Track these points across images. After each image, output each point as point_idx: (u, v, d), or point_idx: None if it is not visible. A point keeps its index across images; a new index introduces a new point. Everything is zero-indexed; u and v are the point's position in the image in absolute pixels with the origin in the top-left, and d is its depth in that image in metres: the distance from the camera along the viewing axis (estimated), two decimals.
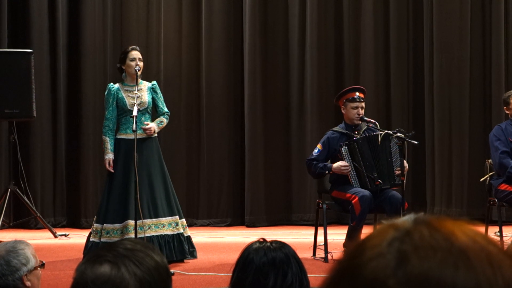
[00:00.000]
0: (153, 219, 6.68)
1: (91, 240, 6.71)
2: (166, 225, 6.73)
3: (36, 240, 7.85)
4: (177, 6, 9.70)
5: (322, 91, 9.61)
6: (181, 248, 6.74)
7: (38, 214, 8.63)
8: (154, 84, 6.97)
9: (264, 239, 2.66)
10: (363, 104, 6.92)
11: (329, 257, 6.68)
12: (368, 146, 6.80)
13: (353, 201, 6.60)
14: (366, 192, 6.63)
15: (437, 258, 0.83)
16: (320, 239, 6.89)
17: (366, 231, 0.88)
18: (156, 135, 6.92)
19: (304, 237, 7.83)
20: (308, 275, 2.62)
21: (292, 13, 9.68)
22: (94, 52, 9.53)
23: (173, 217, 6.78)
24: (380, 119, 8.48)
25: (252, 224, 9.47)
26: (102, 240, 6.58)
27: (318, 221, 7.08)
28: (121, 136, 6.82)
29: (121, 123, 6.84)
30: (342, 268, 0.88)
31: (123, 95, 6.79)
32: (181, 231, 6.78)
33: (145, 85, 6.90)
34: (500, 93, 9.26)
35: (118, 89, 6.82)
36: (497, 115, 9.20)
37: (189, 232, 6.99)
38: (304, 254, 6.52)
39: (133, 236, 6.37)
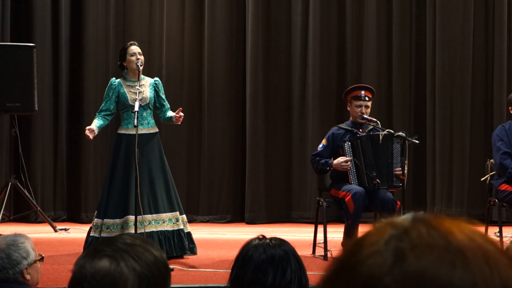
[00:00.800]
0: (153, 215, 6.68)
1: (91, 235, 6.71)
2: (166, 221, 6.73)
3: (36, 234, 7.85)
4: (180, 2, 9.70)
5: (324, 89, 9.61)
6: (181, 244, 6.73)
7: (39, 208, 8.64)
8: (157, 81, 6.95)
9: (263, 236, 2.66)
10: (368, 103, 6.89)
11: (329, 255, 6.68)
12: (371, 144, 6.80)
13: (346, 199, 6.60)
14: (359, 189, 6.61)
15: (434, 256, 0.83)
16: (320, 237, 6.89)
17: (363, 229, 0.89)
18: (157, 130, 6.92)
19: (304, 235, 7.83)
20: (307, 273, 2.62)
21: (295, 10, 9.68)
22: (97, 47, 9.53)
23: (173, 213, 6.77)
24: (382, 118, 8.47)
25: (252, 221, 9.47)
26: (102, 235, 6.58)
27: (318, 219, 7.08)
28: (122, 131, 6.81)
29: (123, 118, 6.84)
30: (340, 265, 0.88)
31: (125, 90, 6.78)
32: (181, 227, 6.78)
33: (147, 80, 6.89)
34: (502, 93, 9.26)
35: (120, 84, 6.82)
36: (499, 115, 9.20)
37: (189, 228, 6.99)
38: (303, 252, 6.52)
39: (133, 231, 6.37)
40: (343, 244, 6.83)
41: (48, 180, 9.43)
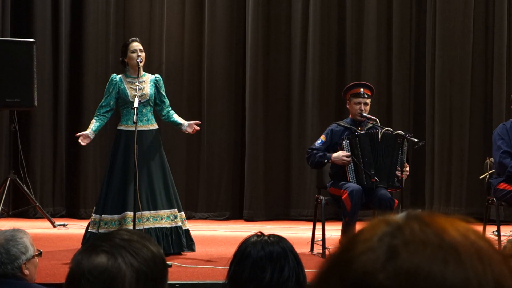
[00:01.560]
0: (152, 211, 6.68)
1: (89, 230, 6.71)
2: (165, 218, 6.73)
3: (34, 229, 7.86)
4: None
5: (323, 87, 9.61)
6: (178, 241, 6.73)
7: (37, 204, 8.64)
8: (158, 77, 6.94)
9: (261, 233, 2.66)
10: (367, 101, 6.87)
11: (327, 252, 6.67)
12: (370, 142, 6.78)
13: (343, 197, 6.59)
14: (356, 187, 6.60)
15: (426, 253, 0.84)
16: (318, 234, 6.90)
17: (359, 226, 0.89)
18: (157, 127, 6.92)
19: (302, 232, 7.84)
20: (305, 270, 2.62)
21: (295, 8, 9.67)
22: (97, 44, 9.53)
23: (171, 209, 6.77)
24: (381, 116, 8.47)
25: (251, 218, 9.47)
26: (100, 231, 6.57)
27: (316, 216, 7.08)
28: (121, 127, 6.81)
29: (122, 114, 6.84)
30: (333, 261, 0.88)
31: (125, 86, 6.78)
32: (180, 224, 6.77)
33: (148, 77, 6.88)
34: (501, 92, 9.26)
35: (120, 80, 6.82)
36: (498, 114, 9.21)
37: (188, 225, 6.99)
38: (302, 249, 6.52)
39: (131, 228, 6.36)
40: (340, 241, 6.82)
41: (47, 176, 9.44)
